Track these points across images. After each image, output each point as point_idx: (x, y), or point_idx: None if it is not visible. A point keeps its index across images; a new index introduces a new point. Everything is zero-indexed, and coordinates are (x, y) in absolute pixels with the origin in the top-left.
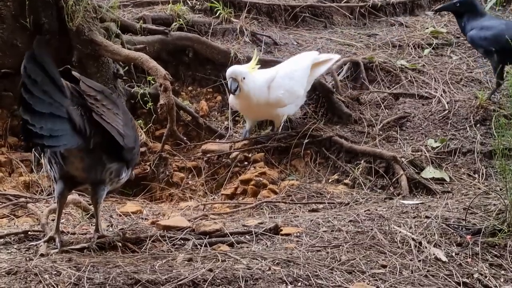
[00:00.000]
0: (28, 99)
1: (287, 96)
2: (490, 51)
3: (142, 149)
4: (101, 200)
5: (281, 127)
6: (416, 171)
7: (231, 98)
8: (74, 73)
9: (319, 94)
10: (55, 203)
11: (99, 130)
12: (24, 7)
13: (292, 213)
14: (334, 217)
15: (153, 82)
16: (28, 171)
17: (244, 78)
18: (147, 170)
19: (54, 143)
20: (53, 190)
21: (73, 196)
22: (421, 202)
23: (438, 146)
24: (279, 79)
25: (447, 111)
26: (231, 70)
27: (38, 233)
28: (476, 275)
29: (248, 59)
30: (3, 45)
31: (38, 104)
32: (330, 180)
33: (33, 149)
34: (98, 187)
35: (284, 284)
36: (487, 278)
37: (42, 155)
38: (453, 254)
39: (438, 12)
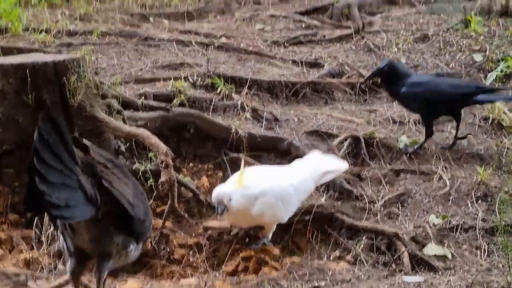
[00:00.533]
0: (40, 168)
1: (271, 215)
2: (424, 105)
3: None
4: (104, 275)
5: (270, 235)
6: (418, 247)
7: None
8: (85, 141)
9: None
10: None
11: (108, 199)
12: (26, 83)
13: None
14: None
15: (154, 159)
16: (29, 249)
17: (230, 200)
18: (148, 247)
19: (71, 214)
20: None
21: None
22: (423, 279)
23: (439, 223)
24: (270, 198)
25: (448, 187)
26: (216, 194)
27: None
28: None
29: (250, 136)
30: (5, 121)
31: (50, 173)
32: (331, 257)
33: (33, 226)
34: (103, 260)
35: None
36: None
37: (55, 229)
38: None
39: (367, 81)
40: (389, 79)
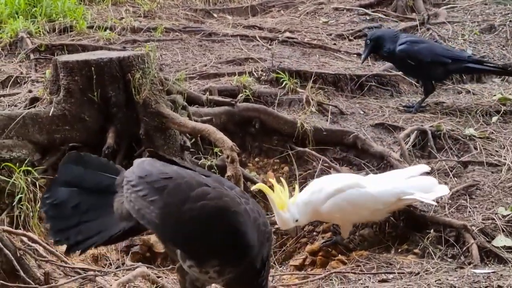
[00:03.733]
0: None
1: (342, 216)
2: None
3: None
4: None
5: (346, 234)
6: (487, 239)
7: None
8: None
9: None
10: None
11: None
12: (91, 81)
13: (361, 284)
14: None
15: (220, 154)
16: None
17: (296, 221)
18: None
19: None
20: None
21: (141, 269)
22: (493, 271)
23: (508, 214)
24: (339, 200)
25: None
26: (283, 226)
27: None
28: None
29: (315, 129)
30: (72, 119)
31: None
32: (399, 250)
33: None
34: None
35: None
36: None
37: None
38: None
39: (364, 61)
40: (380, 46)
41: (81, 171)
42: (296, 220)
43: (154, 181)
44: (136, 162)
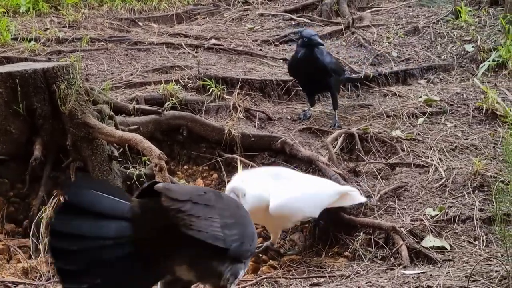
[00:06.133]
0: None
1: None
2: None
3: None
4: None
5: (276, 239)
6: (416, 240)
7: None
8: (157, 186)
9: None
10: None
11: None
12: (16, 93)
13: None
14: None
15: (148, 163)
16: (27, 257)
17: (244, 195)
18: None
19: None
20: None
21: None
22: (422, 271)
23: (437, 215)
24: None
25: (444, 179)
26: (230, 188)
27: None
28: None
29: (243, 136)
30: None
31: None
32: (330, 253)
33: (30, 235)
34: None
35: None
36: None
37: None
38: None
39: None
40: None
41: None
42: (244, 195)
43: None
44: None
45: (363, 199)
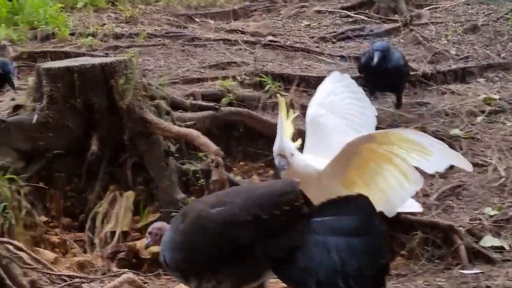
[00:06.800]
0: None
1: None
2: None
3: None
4: None
5: None
6: (475, 240)
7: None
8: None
9: None
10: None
11: None
12: (74, 87)
13: None
14: None
15: (204, 158)
16: (82, 251)
17: (292, 155)
18: None
19: None
20: None
21: (127, 275)
22: (481, 271)
23: (495, 214)
24: None
25: (503, 178)
26: (278, 147)
27: None
28: None
29: (299, 132)
30: (55, 126)
31: None
32: None
33: (86, 229)
34: None
35: None
36: None
37: None
38: None
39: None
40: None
41: None
42: (292, 155)
43: None
44: None
45: (419, 209)
